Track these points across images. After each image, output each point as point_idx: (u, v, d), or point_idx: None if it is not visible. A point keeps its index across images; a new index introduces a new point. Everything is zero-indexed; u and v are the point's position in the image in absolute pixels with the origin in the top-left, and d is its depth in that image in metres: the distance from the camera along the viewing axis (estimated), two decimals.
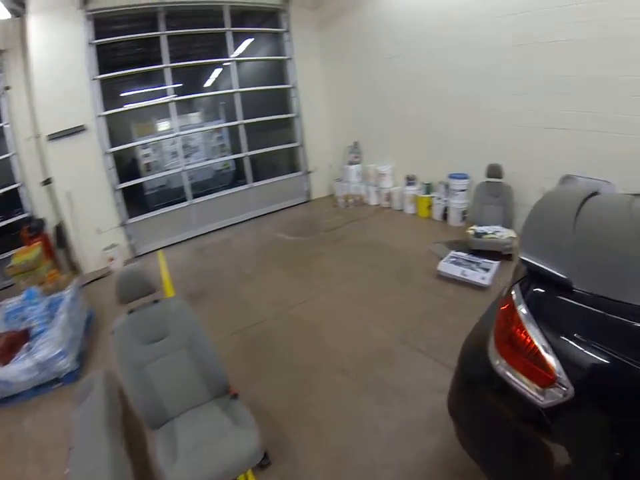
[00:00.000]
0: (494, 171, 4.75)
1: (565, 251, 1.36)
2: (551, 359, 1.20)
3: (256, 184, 6.84)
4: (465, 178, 5.50)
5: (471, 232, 4.59)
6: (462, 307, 3.67)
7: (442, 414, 1.96)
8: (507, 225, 4.67)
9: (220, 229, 6.43)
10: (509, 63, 4.65)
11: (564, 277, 1.23)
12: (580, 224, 1.48)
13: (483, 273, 4.00)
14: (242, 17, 6.59)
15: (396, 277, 4.43)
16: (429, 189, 6.02)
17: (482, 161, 4.91)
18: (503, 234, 4.44)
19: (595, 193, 1.82)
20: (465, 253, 4.49)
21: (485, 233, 4.49)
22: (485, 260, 4.26)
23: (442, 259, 4.44)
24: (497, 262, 4.21)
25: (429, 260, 4.66)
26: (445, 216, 5.87)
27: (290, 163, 7.43)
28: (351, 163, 7.07)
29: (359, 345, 3.33)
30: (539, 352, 1.23)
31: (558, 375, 1.18)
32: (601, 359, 1.11)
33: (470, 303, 3.67)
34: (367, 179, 6.95)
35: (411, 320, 3.61)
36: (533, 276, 1.33)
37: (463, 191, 5.53)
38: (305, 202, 7.43)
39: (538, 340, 1.24)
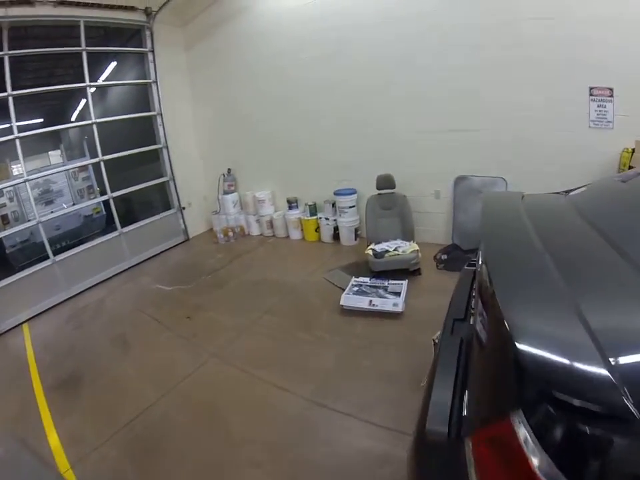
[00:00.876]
0: (385, 182, 4.20)
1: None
2: None
3: (126, 229, 5.37)
4: (353, 193, 4.90)
5: (369, 252, 3.88)
6: (378, 344, 2.96)
7: None
8: (407, 236, 4.12)
9: (93, 286, 4.87)
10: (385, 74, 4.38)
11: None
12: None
13: (393, 299, 3.28)
14: (105, 36, 5.24)
15: (295, 320, 3.47)
16: (313, 210, 5.30)
17: (369, 173, 4.42)
18: (406, 248, 3.83)
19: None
20: (367, 277, 3.74)
21: (387, 251, 3.82)
22: (392, 281, 3.57)
23: (342, 288, 3.64)
24: (405, 281, 3.54)
25: (328, 292, 3.85)
26: (335, 237, 5.19)
27: (162, 200, 6.08)
28: (226, 193, 6.05)
29: (267, 423, 2.42)
30: None
31: None
32: None
33: (386, 337, 3.02)
34: (246, 208, 6.01)
35: (323, 375, 2.74)
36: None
37: (352, 207, 4.91)
38: (183, 241, 6.14)
39: None
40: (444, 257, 3.97)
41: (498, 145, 3.90)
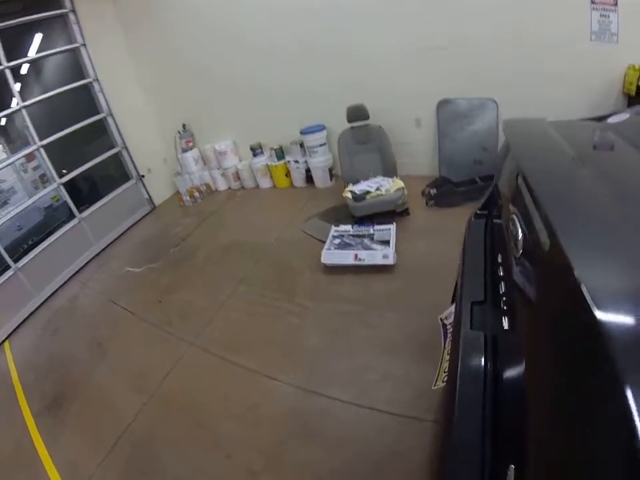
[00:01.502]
0: (357, 113, 3.56)
1: None
2: None
3: (85, 214, 4.63)
4: (321, 130, 4.25)
5: (348, 196, 3.34)
6: (371, 309, 2.54)
7: None
8: (389, 172, 3.58)
9: (64, 283, 4.20)
10: None
11: None
12: None
13: (382, 249, 2.83)
14: (25, 10, 4.05)
15: (274, 288, 3.03)
16: (280, 154, 4.66)
17: (338, 106, 3.74)
18: (389, 186, 3.29)
19: None
20: (348, 225, 3.25)
21: (367, 192, 3.29)
22: (378, 227, 3.11)
23: (322, 241, 3.18)
24: (392, 225, 3.07)
25: (307, 247, 3.39)
26: (309, 179, 4.62)
27: (120, 172, 5.26)
28: (185, 150, 5.29)
29: (260, 423, 2.05)
30: None
31: None
32: None
33: (379, 298, 2.61)
34: (209, 163, 5.31)
35: (313, 354, 2.36)
36: None
37: (322, 145, 4.30)
38: (150, 211, 5.44)
39: None
40: (433, 191, 3.47)
41: (486, 62, 3.29)
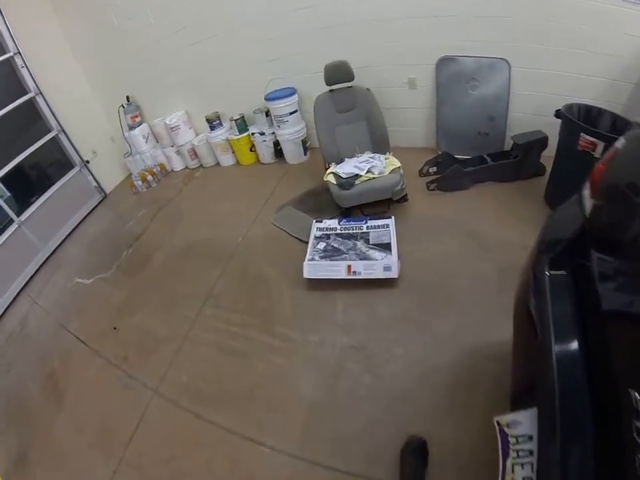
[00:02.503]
0: (337, 72, 2.75)
1: None
2: None
3: (24, 215, 3.65)
4: (291, 94, 3.43)
5: (332, 181, 2.62)
6: (375, 342, 1.96)
7: None
8: (380, 146, 2.85)
9: (14, 298, 3.31)
10: None
11: None
12: None
13: (382, 258, 2.18)
14: None
15: (247, 311, 2.36)
16: (242, 124, 3.82)
17: (313, 63, 3.01)
18: (381, 166, 2.57)
19: None
20: (333, 219, 2.59)
21: (356, 176, 2.56)
22: (373, 223, 2.44)
23: (300, 240, 2.58)
24: (391, 220, 2.41)
25: (282, 247, 2.73)
26: (278, 154, 3.85)
27: (61, 161, 4.24)
28: (132, 127, 4.29)
29: None
30: None
31: None
32: None
33: (384, 326, 2.00)
34: (160, 140, 4.35)
35: (307, 409, 1.77)
36: None
37: (293, 113, 3.49)
38: (101, 201, 4.50)
39: None
40: (433, 170, 2.79)
41: (497, 14, 2.56)
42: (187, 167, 4.40)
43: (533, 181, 2.66)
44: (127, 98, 4.21)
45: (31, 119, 3.90)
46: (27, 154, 3.70)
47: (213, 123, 3.87)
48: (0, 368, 2.66)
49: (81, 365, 2.39)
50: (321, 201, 2.99)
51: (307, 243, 2.49)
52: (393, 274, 2.08)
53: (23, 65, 3.67)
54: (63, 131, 4.02)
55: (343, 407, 1.73)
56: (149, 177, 4.28)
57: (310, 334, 2.06)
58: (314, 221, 2.65)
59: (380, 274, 2.10)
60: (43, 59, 3.84)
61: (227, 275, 2.65)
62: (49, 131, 3.96)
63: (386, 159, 2.68)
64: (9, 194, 3.77)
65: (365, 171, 2.57)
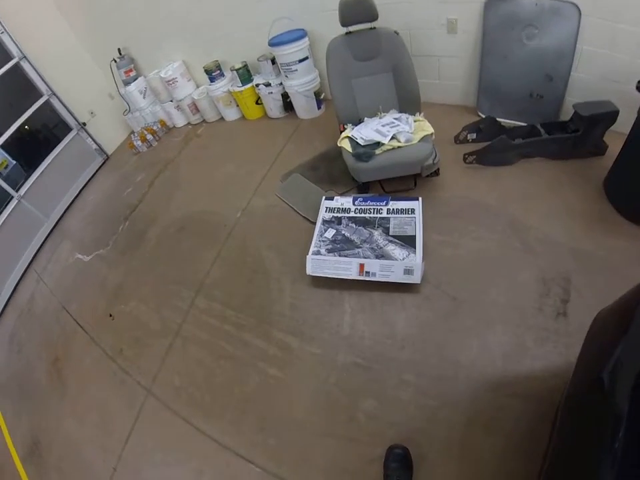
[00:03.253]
0: (358, 9, 2.10)
1: None
2: None
3: (23, 189, 3.37)
4: (301, 38, 2.82)
5: (347, 148, 2.13)
6: (386, 365, 1.63)
7: None
8: (409, 105, 2.27)
9: (22, 275, 3.18)
10: None
11: None
12: None
13: (403, 257, 1.77)
14: None
15: (242, 308, 2.05)
16: (245, 74, 3.24)
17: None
18: (409, 131, 2.04)
19: None
20: (347, 197, 2.15)
21: (377, 143, 2.04)
22: (396, 205, 2.00)
23: (308, 220, 2.20)
24: (418, 202, 1.95)
25: (285, 226, 2.35)
26: (288, 107, 3.29)
27: (59, 126, 3.91)
28: (127, 83, 3.80)
29: None
30: None
31: None
32: None
33: (399, 343, 1.66)
34: (158, 95, 3.84)
35: (299, 432, 1.55)
36: None
37: (303, 60, 2.90)
38: (103, 163, 4.18)
39: None
40: (471, 137, 2.24)
41: None
42: (189, 123, 3.94)
43: (590, 161, 2.08)
44: (119, 51, 3.67)
45: (26, 85, 3.52)
46: (21, 122, 3.39)
47: (212, 73, 3.31)
48: (13, 348, 2.62)
49: (81, 353, 2.26)
50: (334, 169, 2.53)
51: (315, 223, 2.09)
52: (415, 279, 1.68)
53: (3, 30, 3.20)
54: (54, 94, 3.60)
55: (340, 434, 1.48)
56: (149, 136, 3.87)
57: (310, 344, 1.75)
58: (324, 197, 2.21)
59: (399, 277, 1.70)
60: (24, 20, 3.37)
61: (223, 259, 2.31)
62: (40, 97, 3.56)
63: (415, 121, 2.14)
64: (14, 162, 3.52)
65: (389, 138, 2.05)
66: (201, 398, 1.78)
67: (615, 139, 1.87)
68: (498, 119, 2.27)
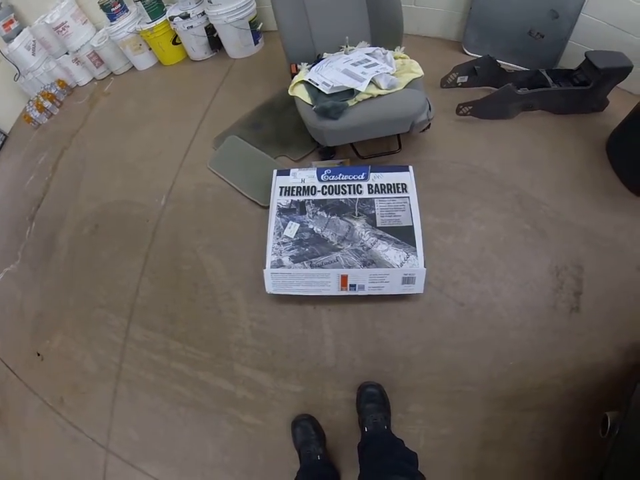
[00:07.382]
0: None
1: None
2: None
3: None
4: None
5: (303, 98, 1.48)
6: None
7: None
8: (387, 35, 1.62)
9: None
10: None
11: None
12: None
13: (400, 261, 1.26)
14: None
15: (186, 338, 1.49)
16: (154, 6, 2.34)
17: None
18: (390, 70, 1.42)
19: None
20: (310, 169, 1.56)
21: (349, 91, 1.42)
22: (379, 179, 1.47)
23: (256, 203, 1.68)
24: (409, 174, 1.42)
25: (228, 210, 1.73)
26: (215, 44, 2.50)
27: None
28: (9, 38, 2.66)
29: None
30: None
31: None
32: None
33: (392, 364, 1.27)
34: (48, 48, 2.79)
35: None
36: None
37: None
38: (1, 146, 3.08)
39: None
40: (462, 79, 1.68)
41: None
42: (94, 79, 2.94)
43: (590, 118, 1.71)
44: None
45: None
46: None
47: (112, 9, 2.36)
48: None
49: (21, 405, 1.67)
50: (284, 125, 1.90)
51: (267, 208, 1.52)
52: (417, 288, 1.21)
53: None
54: None
55: None
56: (47, 103, 2.86)
57: (286, 381, 1.29)
58: (275, 171, 1.59)
59: (396, 288, 1.22)
60: None
61: (152, 269, 1.68)
62: None
63: (396, 58, 1.52)
64: None
65: (366, 74, 1.42)
66: (169, 453, 1.31)
67: (617, 95, 1.63)
68: (498, 60, 1.73)
